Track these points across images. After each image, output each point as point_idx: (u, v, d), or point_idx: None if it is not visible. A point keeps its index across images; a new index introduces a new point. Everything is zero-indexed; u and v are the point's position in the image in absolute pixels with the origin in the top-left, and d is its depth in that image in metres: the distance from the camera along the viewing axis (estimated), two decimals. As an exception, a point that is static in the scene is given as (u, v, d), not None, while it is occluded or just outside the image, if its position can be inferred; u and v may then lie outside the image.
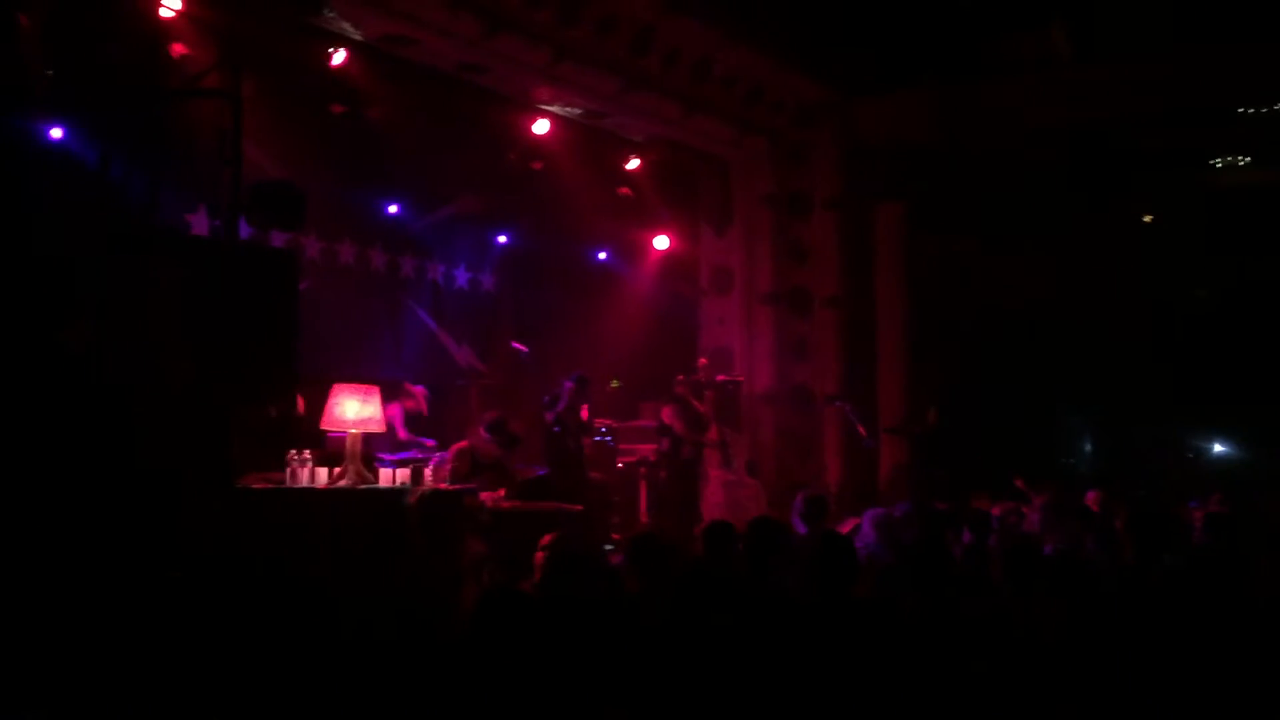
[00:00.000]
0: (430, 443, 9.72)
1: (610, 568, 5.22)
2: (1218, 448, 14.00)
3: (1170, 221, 13.88)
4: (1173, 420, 13.69)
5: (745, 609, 4.03)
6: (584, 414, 10.67)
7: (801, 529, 6.52)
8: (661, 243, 13.38)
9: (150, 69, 7.58)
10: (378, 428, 7.04)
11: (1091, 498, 8.89)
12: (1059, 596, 4.44)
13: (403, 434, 9.84)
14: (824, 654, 3.15)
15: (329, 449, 7.71)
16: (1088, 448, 14.86)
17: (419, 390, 10.29)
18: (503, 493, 8.45)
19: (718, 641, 3.65)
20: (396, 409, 9.80)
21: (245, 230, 7.36)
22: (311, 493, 6.55)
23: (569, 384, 10.31)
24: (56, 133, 7.75)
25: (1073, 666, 4.00)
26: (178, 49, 8.11)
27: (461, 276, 12.92)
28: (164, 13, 7.90)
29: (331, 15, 8.84)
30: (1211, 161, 13.31)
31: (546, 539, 5.44)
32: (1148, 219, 13.99)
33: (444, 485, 7.09)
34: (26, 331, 5.95)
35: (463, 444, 9.37)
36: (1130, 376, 13.82)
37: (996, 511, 8.11)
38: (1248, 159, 13.27)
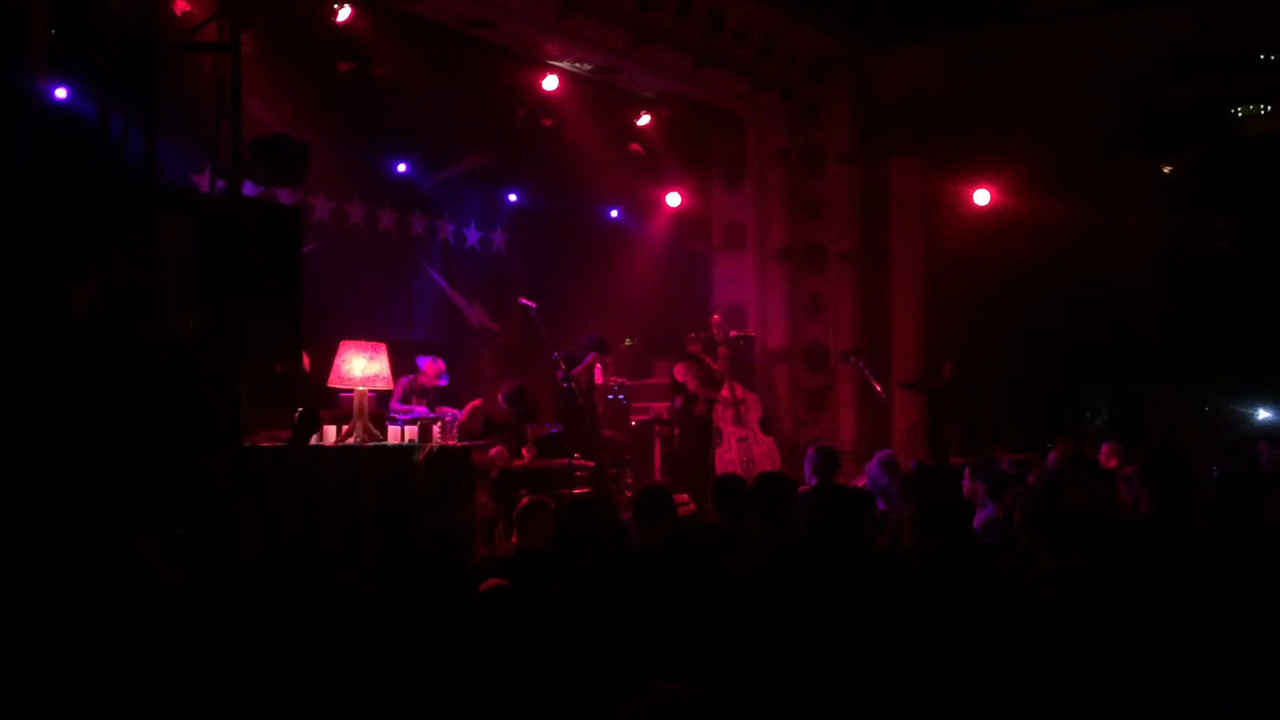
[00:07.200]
0: (421, 410, 9.32)
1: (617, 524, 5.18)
2: (1240, 404, 13.82)
3: (1190, 172, 13.65)
4: (1192, 375, 13.52)
5: (752, 559, 3.99)
6: (598, 375, 10.63)
7: (813, 482, 6.47)
8: (673, 199, 13.25)
9: (152, 27, 7.48)
10: (385, 385, 7.01)
11: (1106, 451, 8.85)
12: (1078, 549, 4.35)
13: (394, 404, 9.39)
14: (828, 603, 3.10)
15: (341, 409, 7.68)
16: (1106, 403, 14.70)
17: (427, 365, 9.84)
18: (499, 449, 8.40)
19: (725, 591, 3.61)
20: (401, 382, 9.50)
21: (253, 191, 7.32)
22: (319, 450, 6.53)
23: (590, 353, 10.23)
24: (61, 93, 7.70)
25: (1092, 618, 3.93)
26: (180, 6, 8.02)
27: (472, 235, 12.84)
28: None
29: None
30: (1232, 110, 13.06)
31: (526, 500, 5.47)
32: (1167, 169, 13.76)
33: (453, 442, 7.06)
34: (32, 292, 5.90)
35: (476, 402, 9.35)
36: (1150, 330, 13.66)
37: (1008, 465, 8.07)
38: (1269, 108, 13.01)
